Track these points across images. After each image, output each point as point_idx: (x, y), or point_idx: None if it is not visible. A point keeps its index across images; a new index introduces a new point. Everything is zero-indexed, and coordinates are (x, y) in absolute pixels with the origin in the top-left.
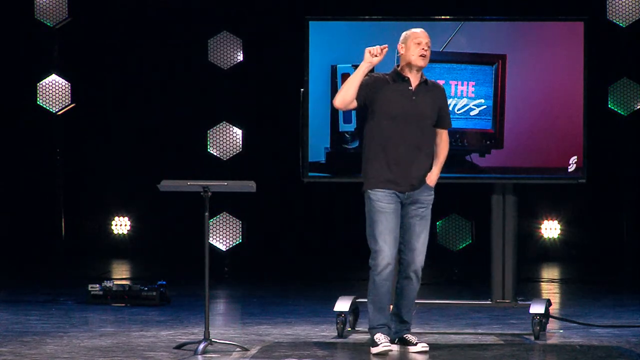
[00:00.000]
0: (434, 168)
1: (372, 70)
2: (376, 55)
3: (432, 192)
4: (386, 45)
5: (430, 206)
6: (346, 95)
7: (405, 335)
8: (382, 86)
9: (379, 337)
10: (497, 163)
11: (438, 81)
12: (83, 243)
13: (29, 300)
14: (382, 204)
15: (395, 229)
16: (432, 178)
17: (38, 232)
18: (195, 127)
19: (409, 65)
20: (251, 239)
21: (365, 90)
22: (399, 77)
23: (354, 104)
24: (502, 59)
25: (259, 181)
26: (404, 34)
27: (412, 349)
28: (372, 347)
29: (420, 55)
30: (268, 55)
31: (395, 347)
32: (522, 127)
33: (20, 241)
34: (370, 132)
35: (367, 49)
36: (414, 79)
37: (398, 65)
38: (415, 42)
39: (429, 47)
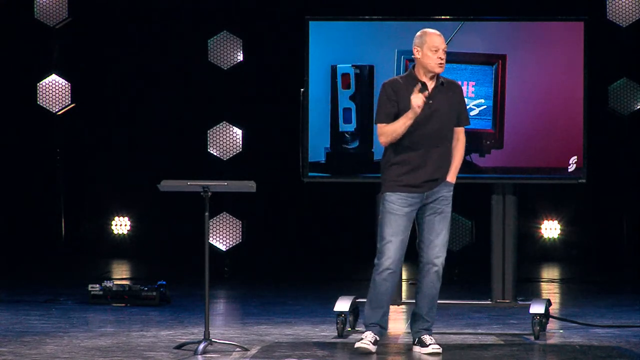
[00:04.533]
0: (452, 166)
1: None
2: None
3: (452, 189)
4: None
5: (450, 203)
6: (394, 140)
7: (422, 337)
8: (402, 93)
9: (367, 334)
10: (497, 163)
11: None
12: (83, 243)
13: (29, 300)
14: (395, 206)
15: (403, 231)
16: (451, 175)
17: (38, 232)
18: (195, 127)
19: (425, 69)
20: (251, 239)
21: (393, 104)
22: (416, 82)
23: None
24: (502, 59)
25: (259, 181)
26: (419, 35)
27: (422, 349)
28: (357, 340)
29: (439, 64)
30: (268, 55)
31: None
32: (522, 127)
33: (21, 241)
34: None
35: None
36: (430, 82)
37: (413, 67)
38: (432, 49)
39: (445, 52)
